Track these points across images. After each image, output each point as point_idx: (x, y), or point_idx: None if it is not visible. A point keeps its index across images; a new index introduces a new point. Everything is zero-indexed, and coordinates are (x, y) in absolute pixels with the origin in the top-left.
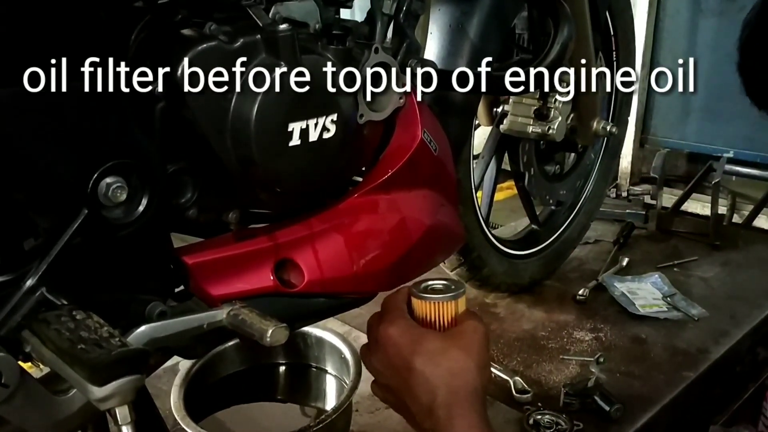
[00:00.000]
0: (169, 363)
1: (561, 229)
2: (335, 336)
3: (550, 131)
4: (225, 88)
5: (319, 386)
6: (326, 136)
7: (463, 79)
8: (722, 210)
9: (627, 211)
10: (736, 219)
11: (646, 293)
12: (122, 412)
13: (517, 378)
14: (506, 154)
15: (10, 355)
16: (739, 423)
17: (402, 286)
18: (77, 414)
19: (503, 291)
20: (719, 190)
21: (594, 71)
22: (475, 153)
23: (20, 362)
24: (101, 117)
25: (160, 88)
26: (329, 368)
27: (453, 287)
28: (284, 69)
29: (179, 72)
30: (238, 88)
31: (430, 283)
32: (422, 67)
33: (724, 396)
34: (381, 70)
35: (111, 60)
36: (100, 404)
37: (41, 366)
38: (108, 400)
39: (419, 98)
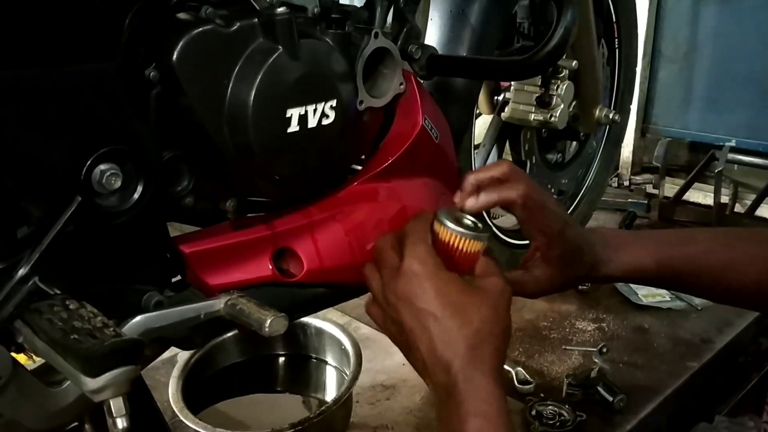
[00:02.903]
0: (167, 354)
1: None
2: (335, 327)
3: (552, 119)
4: (221, 73)
5: (319, 377)
6: (325, 122)
7: (464, 66)
8: (724, 199)
9: (629, 200)
10: (738, 208)
11: None
12: (117, 404)
13: (519, 368)
14: (507, 143)
15: (2, 346)
16: (743, 413)
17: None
18: (72, 406)
19: None
20: (721, 179)
21: (597, 58)
22: (476, 142)
23: (13, 353)
24: (95, 102)
25: (155, 73)
26: (329, 359)
27: (480, 227)
28: (282, 53)
29: (174, 57)
30: (234, 74)
31: (458, 213)
32: (423, 53)
33: (727, 386)
34: (381, 55)
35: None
36: (94, 396)
37: (35, 357)
38: (102, 391)
39: (420, 85)
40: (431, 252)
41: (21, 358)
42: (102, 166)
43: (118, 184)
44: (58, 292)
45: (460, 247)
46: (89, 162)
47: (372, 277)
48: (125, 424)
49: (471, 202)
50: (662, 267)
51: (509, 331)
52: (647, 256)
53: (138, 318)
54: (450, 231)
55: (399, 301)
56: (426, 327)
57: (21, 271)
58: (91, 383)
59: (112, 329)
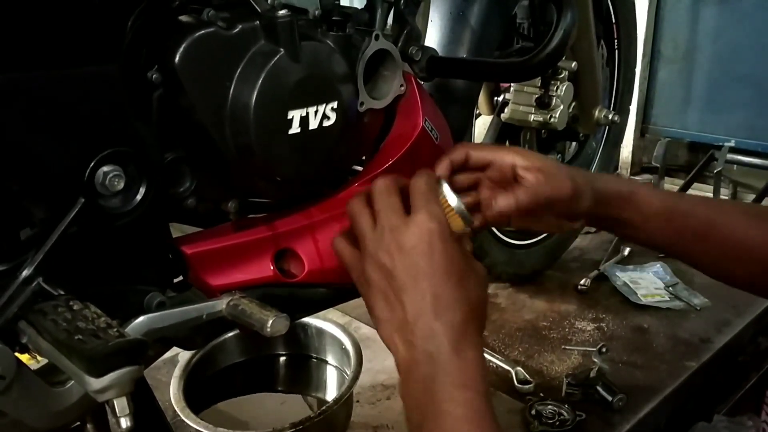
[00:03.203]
0: (168, 354)
1: None
2: (336, 327)
3: (552, 120)
4: (223, 75)
5: (320, 377)
6: (326, 124)
7: (464, 67)
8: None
9: None
10: None
11: (647, 283)
12: (120, 404)
13: (519, 368)
14: (507, 144)
15: (6, 347)
16: (742, 413)
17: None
18: (75, 405)
19: (504, 281)
20: (721, 179)
21: (596, 59)
22: (475, 143)
23: (17, 354)
24: (98, 104)
25: (157, 76)
26: (330, 359)
27: (470, 215)
28: (283, 56)
29: (177, 59)
30: (236, 76)
31: (456, 195)
32: (423, 55)
33: (726, 386)
34: (381, 57)
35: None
36: (98, 395)
37: (38, 357)
38: (106, 391)
39: (420, 86)
40: (444, 216)
41: (24, 358)
42: (105, 168)
43: (121, 185)
44: (62, 293)
45: (448, 219)
46: (92, 164)
47: (361, 213)
48: (128, 424)
49: (439, 170)
50: (664, 203)
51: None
52: (645, 190)
53: (141, 318)
54: (446, 199)
55: (399, 251)
56: (421, 287)
57: (25, 272)
58: (96, 383)
59: (115, 330)
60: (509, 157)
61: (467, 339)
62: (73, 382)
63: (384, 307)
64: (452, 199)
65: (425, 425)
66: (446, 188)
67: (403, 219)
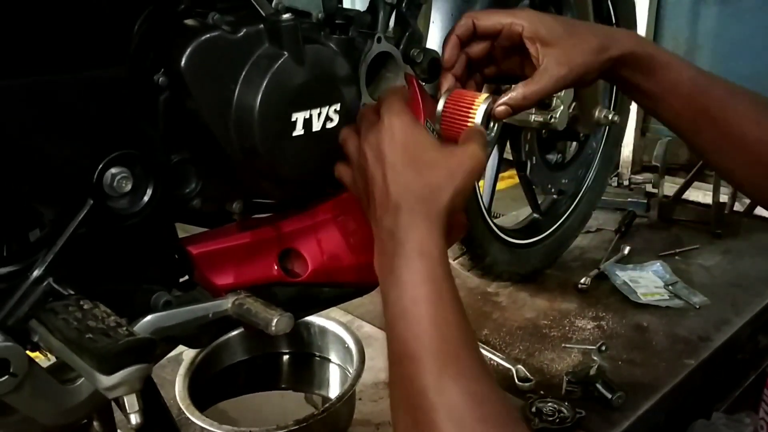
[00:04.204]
0: (173, 353)
1: (563, 218)
2: (339, 325)
3: (552, 120)
4: (228, 78)
5: (323, 375)
6: (329, 126)
7: None
8: (724, 198)
9: (628, 199)
10: (737, 207)
11: (647, 281)
12: (130, 400)
13: (520, 366)
14: (508, 144)
15: (18, 345)
16: (740, 410)
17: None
18: (85, 403)
19: (505, 280)
20: (721, 178)
21: None
22: None
23: (28, 352)
24: (106, 107)
25: (163, 79)
26: (333, 357)
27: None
28: (287, 59)
29: (183, 62)
30: (241, 78)
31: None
32: (425, 57)
33: (725, 383)
34: (384, 59)
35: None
36: (109, 393)
37: (49, 356)
38: (116, 388)
39: (422, 88)
40: (405, 108)
41: (35, 356)
42: (113, 170)
43: (129, 187)
44: (72, 292)
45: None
46: (101, 166)
47: (349, 137)
48: (138, 420)
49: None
50: (687, 75)
51: (464, 193)
52: (670, 59)
53: (149, 317)
54: (476, 111)
55: (369, 150)
56: (384, 173)
57: (35, 273)
58: (107, 380)
59: (125, 328)
60: (517, 25)
61: (421, 213)
62: (82, 379)
63: (367, 203)
64: (480, 116)
65: (390, 293)
66: (481, 111)
67: (373, 125)
